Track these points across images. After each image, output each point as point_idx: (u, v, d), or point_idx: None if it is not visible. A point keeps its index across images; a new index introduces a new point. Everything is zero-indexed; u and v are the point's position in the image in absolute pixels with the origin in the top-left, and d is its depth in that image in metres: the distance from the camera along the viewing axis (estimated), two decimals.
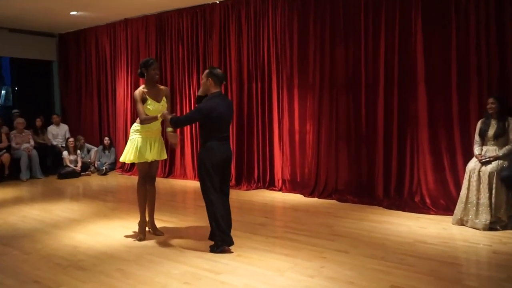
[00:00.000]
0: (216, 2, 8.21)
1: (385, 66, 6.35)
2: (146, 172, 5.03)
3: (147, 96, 4.82)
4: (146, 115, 4.81)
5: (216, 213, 4.36)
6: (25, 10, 8.45)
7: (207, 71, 4.59)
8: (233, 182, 7.90)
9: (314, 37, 7.03)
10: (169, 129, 4.73)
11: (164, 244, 4.74)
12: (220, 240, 4.39)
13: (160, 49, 9.17)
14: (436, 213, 5.73)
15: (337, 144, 6.85)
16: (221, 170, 4.44)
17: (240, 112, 7.94)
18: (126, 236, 5.04)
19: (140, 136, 4.90)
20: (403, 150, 6.27)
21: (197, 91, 8.49)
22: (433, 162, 5.98)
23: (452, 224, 5.26)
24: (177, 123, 4.69)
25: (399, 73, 6.25)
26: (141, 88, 4.87)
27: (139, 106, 4.80)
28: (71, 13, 8.92)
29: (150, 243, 4.78)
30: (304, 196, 6.92)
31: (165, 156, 5.17)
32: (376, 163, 6.45)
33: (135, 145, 4.86)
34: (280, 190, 7.42)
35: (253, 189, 7.59)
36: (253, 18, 7.76)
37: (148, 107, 4.82)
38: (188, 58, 8.74)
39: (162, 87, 5.07)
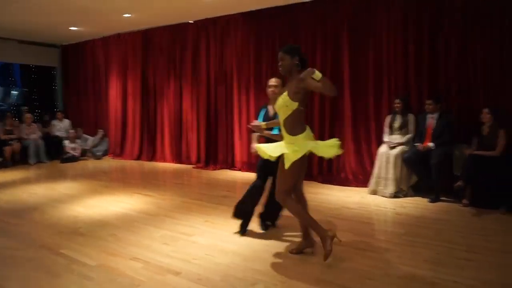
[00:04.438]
0: (190, 22, 8.06)
1: (321, 72, 6.41)
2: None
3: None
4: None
5: None
6: (31, 24, 8.01)
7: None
8: (202, 164, 7.88)
9: (267, 50, 7.03)
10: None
11: (147, 213, 4.67)
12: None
13: (144, 60, 8.93)
14: (357, 186, 5.89)
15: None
16: None
17: (208, 109, 7.89)
18: (117, 208, 4.93)
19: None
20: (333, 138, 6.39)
21: (174, 93, 8.53)
22: (355, 147, 6.14)
23: (368, 193, 5.42)
24: None
25: (331, 78, 6.32)
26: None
27: None
28: (70, 28, 8.53)
29: (136, 213, 4.70)
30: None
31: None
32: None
33: None
34: (239, 170, 7.44)
35: (218, 169, 7.57)
36: (219, 35, 7.67)
37: None
38: (167, 67, 8.56)
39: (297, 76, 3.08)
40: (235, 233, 3.84)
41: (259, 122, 3.46)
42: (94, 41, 9.81)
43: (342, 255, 3.26)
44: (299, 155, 3.00)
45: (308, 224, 3.15)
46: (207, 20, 7.78)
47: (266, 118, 3.73)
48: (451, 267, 3.01)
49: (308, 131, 3.10)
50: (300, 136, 3.03)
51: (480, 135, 4.78)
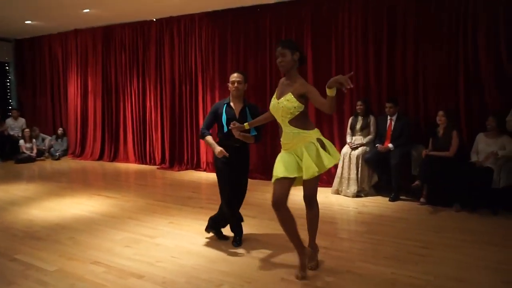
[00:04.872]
0: (153, 20, 7.91)
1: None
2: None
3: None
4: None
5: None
6: None
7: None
8: (167, 164, 7.76)
9: (231, 50, 7.03)
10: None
11: (109, 215, 4.54)
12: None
13: (105, 57, 8.67)
14: (320, 186, 5.89)
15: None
16: None
17: (172, 108, 7.78)
18: (77, 210, 4.76)
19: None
20: None
21: (137, 92, 8.35)
22: None
23: (331, 193, 5.54)
24: None
25: None
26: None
27: None
28: (26, 22, 8.12)
29: (97, 215, 4.55)
30: None
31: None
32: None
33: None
34: (204, 170, 7.38)
35: (183, 170, 7.49)
36: (183, 33, 7.59)
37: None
38: (129, 65, 8.36)
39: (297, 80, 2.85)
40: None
41: (238, 124, 3.14)
42: (51, 36, 9.42)
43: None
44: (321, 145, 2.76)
45: (290, 235, 2.91)
46: (170, 18, 7.67)
47: (231, 117, 3.36)
48: (409, 263, 3.14)
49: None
50: (314, 131, 2.81)
51: (436, 137, 5.03)
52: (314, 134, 2.80)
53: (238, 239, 3.58)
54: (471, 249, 3.43)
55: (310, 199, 3.00)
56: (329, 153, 2.78)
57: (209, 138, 3.47)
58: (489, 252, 3.35)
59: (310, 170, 2.72)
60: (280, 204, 2.82)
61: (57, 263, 3.19)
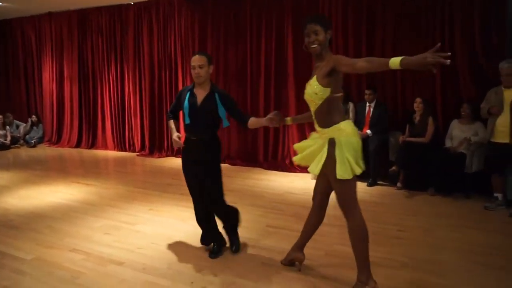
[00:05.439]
0: (131, 3, 7.70)
1: (265, 62, 6.49)
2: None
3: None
4: None
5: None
6: None
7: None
8: (146, 151, 7.68)
9: (211, 37, 6.94)
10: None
11: (88, 203, 4.47)
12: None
13: (82, 41, 8.42)
14: (301, 171, 6.07)
15: (230, 121, 6.88)
16: None
17: (152, 95, 7.66)
18: (54, 198, 4.66)
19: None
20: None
21: (115, 77, 8.16)
22: (298, 135, 6.30)
23: (311, 179, 5.60)
24: None
25: (275, 68, 6.43)
26: None
27: None
28: None
29: (75, 203, 4.48)
30: None
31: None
32: (258, 136, 6.65)
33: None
34: None
35: (163, 157, 7.42)
36: (162, 19, 7.44)
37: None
38: (107, 50, 8.15)
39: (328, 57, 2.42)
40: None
41: (280, 116, 2.72)
42: (23, 19, 9.06)
43: (284, 239, 3.37)
44: (356, 139, 2.35)
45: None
46: (149, 2, 7.50)
47: (192, 106, 2.90)
48: (385, 245, 3.23)
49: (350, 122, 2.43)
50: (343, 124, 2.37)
51: (412, 123, 5.13)
52: (342, 128, 2.35)
53: (234, 248, 3.13)
54: (445, 232, 3.55)
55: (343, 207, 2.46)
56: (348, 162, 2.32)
57: (170, 122, 3.14)
58: (462, 234, 3.48)
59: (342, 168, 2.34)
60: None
61: (34, 252, 3.13)
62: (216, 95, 2.90)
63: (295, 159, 2.63)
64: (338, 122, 2.37)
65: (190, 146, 2.95)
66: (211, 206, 2.99)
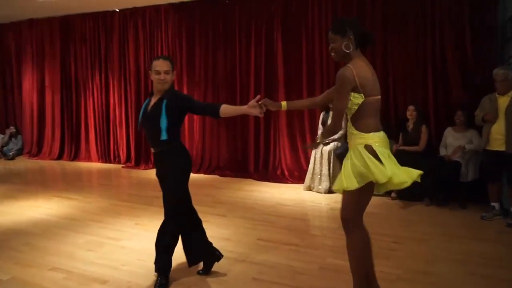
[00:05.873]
0: (116, 10, 7.71)
1: (255, 69, 6.53)
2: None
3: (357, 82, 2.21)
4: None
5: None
6: None
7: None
8: (132, 163, 7.63)
9: (199, 43, 6.97)
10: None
11: (70, 218, 4.41)
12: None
13: (64, 49, 8.38)
14: (292, 182, 6.08)
15: (218, 131, 6.91)
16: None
17: (138, 104, 7.62)
18: (34, 214, 4.58)
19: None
20: (268, 136, 6.54)
21: (99, 86, 8.13)
22: (290, 144, 6.33)
23: (303, 190, 5.62)
24: None
25: (265, 74, 6.47)
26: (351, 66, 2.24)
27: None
28: None
29: (56, 218, 4.41)
30: (192, 173, 6.79)
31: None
32: (248, 146, 6.65)
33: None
34: None
35: (150, 168, 7.36)
36: (148, 26, 7.46)
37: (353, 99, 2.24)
38: (91, 58, 8.12)
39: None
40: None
41: (270, 101, 2.66)
42: (2, 25, 9.01)
43: (276, 253, 3.35)
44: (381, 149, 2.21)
45: (357, 272, 2.40)
46: (135, 9, 7.52)
47: (144, 116, 2.77)
48: (379, 257, 3.21)
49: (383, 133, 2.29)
50: (373, 134, 2.24)
51: (406, 132, 5.18)
52: (365, 139, 2.22)
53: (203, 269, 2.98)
54: (441, 243, 3.57)
55: (342, 220, 2.37)
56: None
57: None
58: (458, 245, 3.50)
59: (337, 181, 2.30)
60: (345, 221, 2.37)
61: (11, 271, 3.06)
62: (164, 102, 2.67)
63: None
64: (370, 131, 2.23)
65: (154, 160, 2.88)
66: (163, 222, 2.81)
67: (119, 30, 7.74)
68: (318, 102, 2.71)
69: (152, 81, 2.81)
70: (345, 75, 2.18)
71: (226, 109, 2.69)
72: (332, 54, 2.34)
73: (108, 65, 7.96)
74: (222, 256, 3.01)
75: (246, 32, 6.57)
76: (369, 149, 2.20)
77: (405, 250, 3.39)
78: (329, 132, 2.22)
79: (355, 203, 2.31)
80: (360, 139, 2.23)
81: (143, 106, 2.82)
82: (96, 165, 7.87)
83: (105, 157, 8.10)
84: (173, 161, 2.73)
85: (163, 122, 2.65)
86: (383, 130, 2.29)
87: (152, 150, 2.82)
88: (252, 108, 2.64)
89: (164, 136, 2.65)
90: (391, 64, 5.58)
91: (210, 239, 3.01)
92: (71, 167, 7.76)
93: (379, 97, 2.28)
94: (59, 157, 8.48)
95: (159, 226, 2.86)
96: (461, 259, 3.20)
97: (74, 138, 8.48)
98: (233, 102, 6.69)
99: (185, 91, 7.15)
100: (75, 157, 8.40)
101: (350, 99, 2.21)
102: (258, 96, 2.70)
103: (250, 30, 6.54)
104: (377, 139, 2.23)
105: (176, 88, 7.28)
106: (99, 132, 8.15)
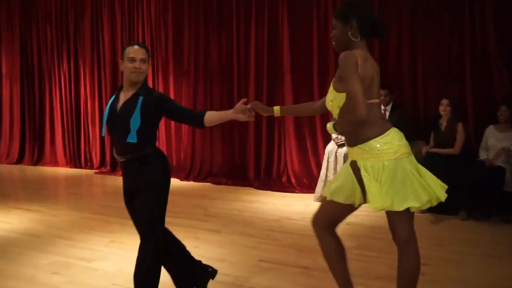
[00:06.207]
0: None
1: (256, 57, 6.56)
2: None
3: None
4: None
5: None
6: None
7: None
8: (107, 168, 7.67)
9: (189, 26, 7.01)
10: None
11: (32, 234, 4.42)
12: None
13: (25, 30, 8.44)
14: (301, 191, 6.09)
15: (211, 130, 6.93)
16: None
17: None
18: None
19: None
20: (271, 135, 6.56)
21: (68, 76, 8.16)
22: (298, 145, 6.35)
23: (314, 201, 5.61)
24: None
25: (268, 64, 6.50)
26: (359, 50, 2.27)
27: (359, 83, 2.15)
28: None
29: (15, 235, 4.42)
30: (180, 180, 6.88)
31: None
32: (247, 147, 6.67)
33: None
34: None
35: None
36: (127, 3, 7.51)
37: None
38: (57, 42, 8.18)
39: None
40: None
41: (262, 105, 2.83)
42: None
43: (280, 276, 3.35)
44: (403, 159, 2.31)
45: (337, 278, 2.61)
46: None
47: (112, 114, 2.66)
48: None
49: (397, 132, 2.38)
50: (378, 139, 2.26)
51: (438, 131, 5.18)
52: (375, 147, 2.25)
53: None
54: (478, 265, 3.56)
55: (394, 237, 2.46)
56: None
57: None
58: (499, 268, 3.49)
59: (376, 201, 2.36)
60: (317, 225, 2.60)
61: None
62: (140, 99, 2.59)
63: (327, 193, 2.55)
64: (370, 138, 2.25)
65: (122, 172, 2.79)
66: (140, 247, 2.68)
67: (92, 9, 7.78)
68: (318, 107, 2.66)
69: (122, 73, 2.73)
70: (348, 54, 2.18)
71: (211, 116, 2.64)
72: (333, 42, 2.39)
73: (78, 50, 8.00)
74: (216, 271, 3.00)
75: (245, 13, 6.59)
76: (354, 166, 2.30)
77: (436, 274, 3.39)
78: (348, 121, 2.16)
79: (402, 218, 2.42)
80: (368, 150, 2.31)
81: (108, 105, 2.70)
82: (64, 171, 7.91)
83: (74, 161, 8.14)
84: (148, 170, 2.66)
85: (135, 122, 2.54)
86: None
87: (119, 159, 2.73)
88: (239, 113, 2.61)
89: (133, 139, 2.55)
90: (420, 53, 5.61)
91: (201, 258, 3.04)
92: (33, 172, 7.79)
93: (378, 100, 2.35)
94: (19, 160, 8.53)
95: (137, 245, 2.83)
96: (501, 285, 3.19)
97: (37, 138, 8.52)
98: (228, 98, 6.74)
99: (171, 83, 7.18)
100: (38, 160, 8.45)
101: (331, 99, 2.32)
102: (245, 99, 2.67)
103: (249, 8, 6.56)
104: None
105: (161, 80, 7.41)
106: (67, 131, 8.21)
